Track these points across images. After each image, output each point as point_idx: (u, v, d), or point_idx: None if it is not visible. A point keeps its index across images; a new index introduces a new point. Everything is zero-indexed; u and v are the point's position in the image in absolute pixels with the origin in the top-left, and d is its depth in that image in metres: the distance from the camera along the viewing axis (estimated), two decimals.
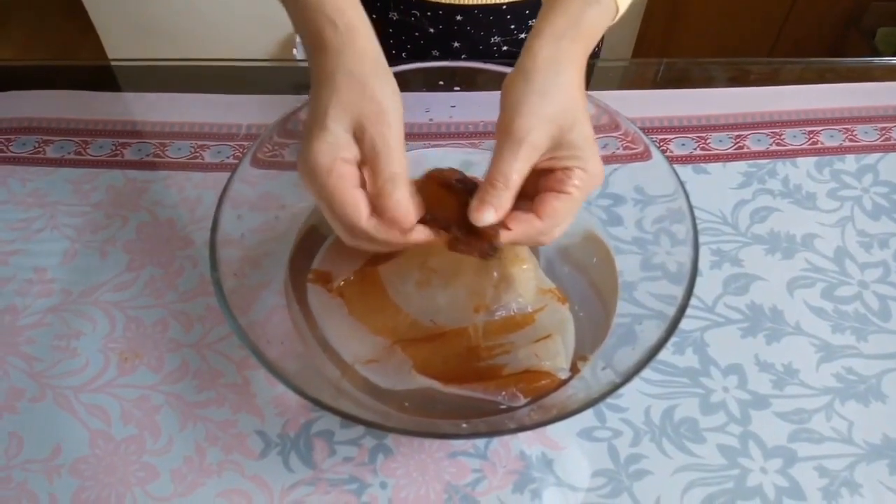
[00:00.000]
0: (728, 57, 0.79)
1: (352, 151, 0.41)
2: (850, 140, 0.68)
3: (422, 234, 0.42)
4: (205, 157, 0.66)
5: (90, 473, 0.47)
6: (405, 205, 0.41)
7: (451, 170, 0.46)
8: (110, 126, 0.69)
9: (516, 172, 0.41)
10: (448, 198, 0.44)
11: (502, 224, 0.41)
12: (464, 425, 0.44)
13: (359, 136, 0.41)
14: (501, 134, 0.41)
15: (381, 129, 0.40)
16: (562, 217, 0.42)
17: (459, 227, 0.42)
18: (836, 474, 0.47)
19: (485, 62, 0.56)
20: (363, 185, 0.42)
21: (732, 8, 1.63)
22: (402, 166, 0.41)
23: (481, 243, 0.42)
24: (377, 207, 0.41)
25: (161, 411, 0.50)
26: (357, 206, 0.41)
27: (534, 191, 0.43)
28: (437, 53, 0.75)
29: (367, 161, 0.41)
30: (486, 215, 0.41)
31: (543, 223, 0.42)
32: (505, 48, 0.75)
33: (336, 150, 0.41)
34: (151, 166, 0.65)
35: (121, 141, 0.67)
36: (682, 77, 0.77)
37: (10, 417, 0.50)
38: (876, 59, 0.79)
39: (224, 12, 1.46)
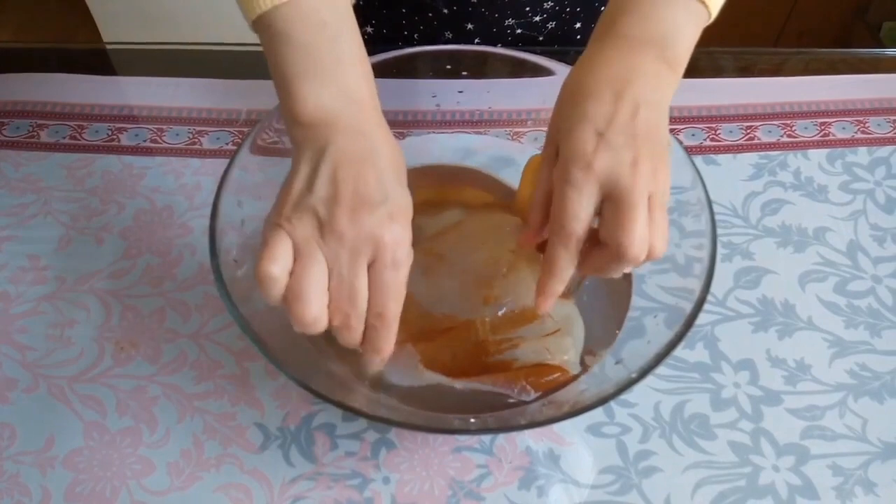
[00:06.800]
0: (732, 46, 0.77)
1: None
2: (863, 132, 0.66)
3: None
4: (203, 143, 0.64)
5: (84, 466, 0.46)
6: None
7: None
8: (106, 110, 0.67)
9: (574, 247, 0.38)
10: None
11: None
12: (472, 420, 0.43)
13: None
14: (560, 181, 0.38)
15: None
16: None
17: None
18: (850, 473, 0.46)
19: (492, 47, 0.54)
20: None
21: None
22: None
23: None
24: None
25: (158, 403, 0.49)
26: None
27: None
28: (450, 35, 0.73)
29: None
30: (548, 305, 0.40)
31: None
32: (519, 31, 0.73)
33: None
34: (148, 152, 0.64)
35: (117, 126, 0.66)
36: (689, 66, 0.75)
37: (3, 408, 0.48)
38: (887, 51, 0.77)
39: None
